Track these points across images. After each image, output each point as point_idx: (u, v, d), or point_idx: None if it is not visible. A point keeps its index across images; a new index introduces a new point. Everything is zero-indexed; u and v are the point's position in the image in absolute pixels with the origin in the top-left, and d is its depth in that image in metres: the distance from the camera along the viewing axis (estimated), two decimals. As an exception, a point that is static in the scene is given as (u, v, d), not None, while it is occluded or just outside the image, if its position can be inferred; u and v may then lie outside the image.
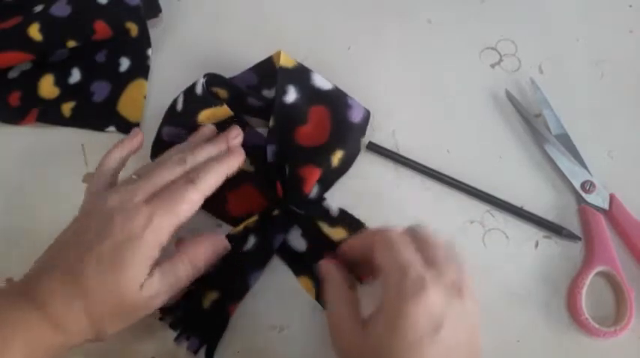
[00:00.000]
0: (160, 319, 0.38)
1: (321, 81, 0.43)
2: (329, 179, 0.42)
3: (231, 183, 0.38)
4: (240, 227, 0.40)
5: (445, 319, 0.29)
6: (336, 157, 0.41)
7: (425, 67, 0.48)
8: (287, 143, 0.41)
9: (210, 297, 0.39)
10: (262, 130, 0.44)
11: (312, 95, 0.42)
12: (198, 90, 0.40)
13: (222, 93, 0.42)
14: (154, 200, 0.34)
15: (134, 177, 0.36)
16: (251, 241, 0.40)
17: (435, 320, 0.29)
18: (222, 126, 0.42)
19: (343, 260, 0.36)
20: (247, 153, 0.40)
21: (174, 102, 0.42)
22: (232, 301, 0.39)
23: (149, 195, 0.34)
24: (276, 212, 0.40)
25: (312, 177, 0.40)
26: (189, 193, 0.34)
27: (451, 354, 0.29)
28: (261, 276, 0.40)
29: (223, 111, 0.41)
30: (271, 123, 0.41)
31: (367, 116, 0.44)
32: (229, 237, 0.39)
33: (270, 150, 0.41)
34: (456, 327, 0.29)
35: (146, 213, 0.33)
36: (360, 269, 0.37)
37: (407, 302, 0.29)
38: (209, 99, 0.40)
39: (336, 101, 0.42)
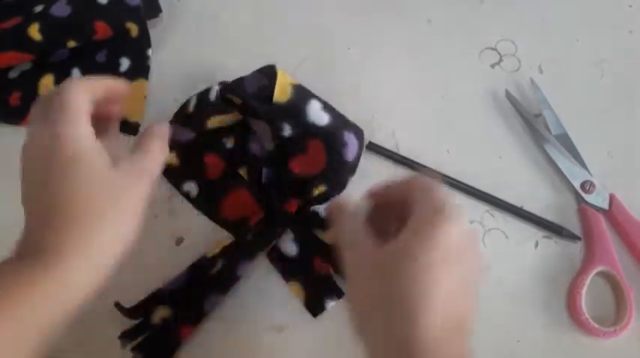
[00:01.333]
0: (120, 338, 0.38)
1: (316, 114, 0.40)
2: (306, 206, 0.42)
3: (226, 186, 0.39)
4: (216, 250, 0.40)
5: (472, 250, 0.29)
6: (318, 190, 0.40)
7: (425, 67, 0.48)
8: (281, 170, 0.40)
9: (161, 314, 0.38)
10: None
11: (307, 130, 0.40)
12: (212, 96, 0.41)
13: (236, 100, 0.41)
14: None
15: None
16: (217, 266, 0.39)
17: (463, 245, 0.28)
18: (229, 129, 0.43)
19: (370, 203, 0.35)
20: (246, 162, 0.41)
21: (187, 103, 0.43)
22: (184, 322, 0.38)
23: None
24: (249, 237, 0.40)
25: (291, 208, 0.40)
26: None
27: (467, 285, 0.29)
28: (262, 277, 0.41)
29: (233, 116, 0.42)
30: (269, 148, 0.41)
31: (359, 154, 0.41)
32: (202, 259, 0.40)
33: (265, 173, 0.41)
34: (474, 265, 0.29)
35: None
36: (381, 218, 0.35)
37: (445, 220, 0.28)
38: (221, 106, 0.41)
39: (332, 138, 0.40)
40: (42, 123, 0.29)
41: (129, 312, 0.38)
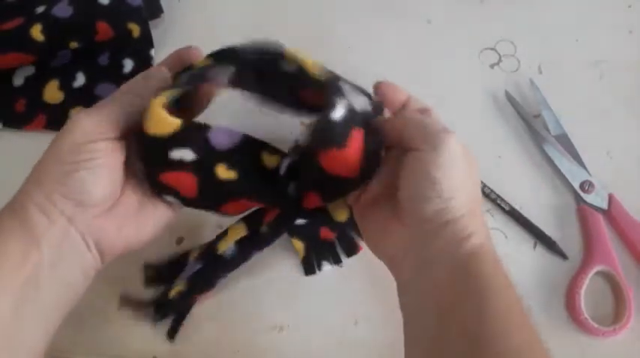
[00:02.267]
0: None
1: (353, 97, 0.34)
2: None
3: (218, 198, 0.35)
4: (229, 242, 0.39)
5: (472, 157, 0.34)
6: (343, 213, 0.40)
7: (424, 67, 0.48)
8: (309, 163, 0.33)
9: (177, 289, 0.38)
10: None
11: (354, 115, 0.33)
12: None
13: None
14: None
15: None
16: (230, 249, 0.39)
17: (467, 152, 0.33)
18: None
19: None
20: (225, 158, 0.33)
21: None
22: (196, 293, 0.39)
23: None
24: (264, 229, 0.38)
25: (309, 205, 0.36)
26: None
27: (477, 180, 0.34)
28: (262, 277, 0.41)
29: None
30: (302, 138, 0.34)
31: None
32: (216, 239, 0.39)
33: (286, 164, 0.34)
34: (477, 168, 0.34)
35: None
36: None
37: (444, 134, 0.32)
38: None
39: (371, 125, 0.33)
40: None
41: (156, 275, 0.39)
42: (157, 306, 0.39)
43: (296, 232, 0.41)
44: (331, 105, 0.31)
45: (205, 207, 0.36)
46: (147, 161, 0.34)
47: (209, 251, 0.39)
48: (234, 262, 0.39)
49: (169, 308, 0.39)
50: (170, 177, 0.33)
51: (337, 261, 0.41)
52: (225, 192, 0.34)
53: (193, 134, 0.32)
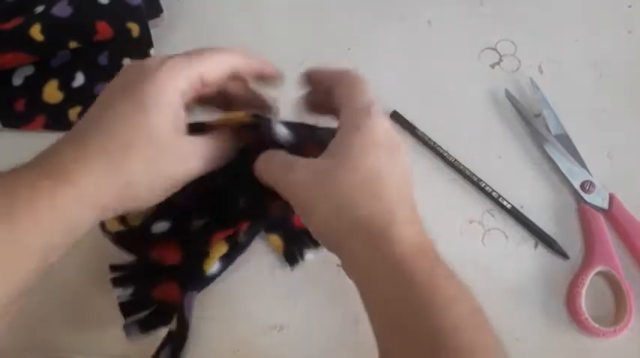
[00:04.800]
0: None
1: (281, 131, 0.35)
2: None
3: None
4: (214, 259, 0.39)
5: (399, 143, 0.31)
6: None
7: (425, 67, 0.48)
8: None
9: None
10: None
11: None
12: None
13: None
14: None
15: None
16: (216, 267, 0.39)
17: (395, 140, 0.31)
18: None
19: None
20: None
21: None
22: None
23: None
24: (242, 238, 0.40)
25: (275, 213, 0.39)
26: (214, 51, 0.34)
27: (406, 173, 0.31)
28: (261, 277, 0.41)
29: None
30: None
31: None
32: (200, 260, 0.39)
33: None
34: (406, 160, 0.31)
35: (159, 58, 0.32)
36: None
37: (372, 117, 0.30)
38: None
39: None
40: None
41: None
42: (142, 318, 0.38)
43: (270, 228, 0.42)
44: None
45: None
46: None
47: (196, 272, 0.39)
48: (219, 274, 0.40)
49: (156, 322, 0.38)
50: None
51: (317, 244, 0.41)
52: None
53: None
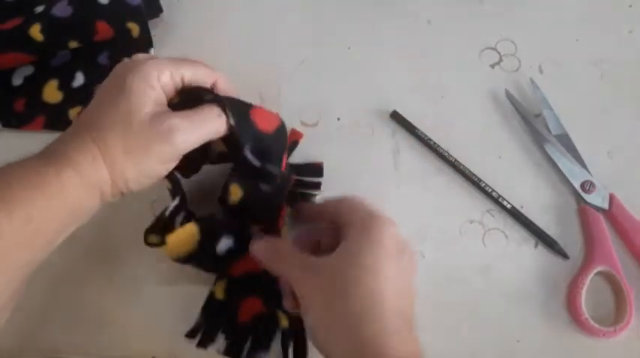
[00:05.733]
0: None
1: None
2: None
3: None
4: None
5: (409, 250, 0.32)
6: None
7: (425, 67, 0.48)
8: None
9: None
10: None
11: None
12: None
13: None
14: None
15: None
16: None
17: (401, 246, 0.32)
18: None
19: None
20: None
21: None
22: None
23: None
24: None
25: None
26: (199, 62, 0.37)
27: (407, 281, 0.32)
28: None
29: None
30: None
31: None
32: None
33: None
34: (412, 265, 0.33)
35: (148, 55, 0.35)
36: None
37: (380, 222, 0.32)
38: None
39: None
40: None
41: None
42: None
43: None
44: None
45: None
46: None
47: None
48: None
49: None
50: None
51: None
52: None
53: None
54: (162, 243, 0.34)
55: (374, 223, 0.32)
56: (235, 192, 0.37)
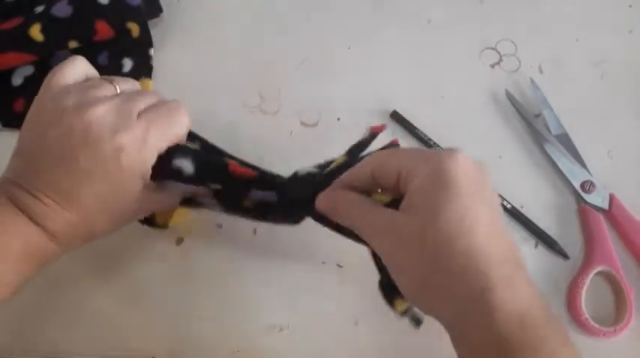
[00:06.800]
0: None
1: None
2: None
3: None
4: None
5: (486, 180, 0.29)
6: None
7: (425, 67, 0.48)
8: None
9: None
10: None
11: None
12: None
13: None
14: (148, 114, 0.33)
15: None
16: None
17: (479, 178, 0.29)
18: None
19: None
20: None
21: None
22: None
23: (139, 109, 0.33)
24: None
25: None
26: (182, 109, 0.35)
27: (498, 218, 0.29)
28: (262, 276, 0.41)
29: None
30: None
31: None
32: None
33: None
34: (494, 195, 0.29)
35: (140, 125, 0.32)
36: None
37: (451, 155, 0.28)
38: None
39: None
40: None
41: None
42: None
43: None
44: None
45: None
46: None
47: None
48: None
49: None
50: None
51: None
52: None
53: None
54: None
55: (440, 165, 0.28)
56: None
